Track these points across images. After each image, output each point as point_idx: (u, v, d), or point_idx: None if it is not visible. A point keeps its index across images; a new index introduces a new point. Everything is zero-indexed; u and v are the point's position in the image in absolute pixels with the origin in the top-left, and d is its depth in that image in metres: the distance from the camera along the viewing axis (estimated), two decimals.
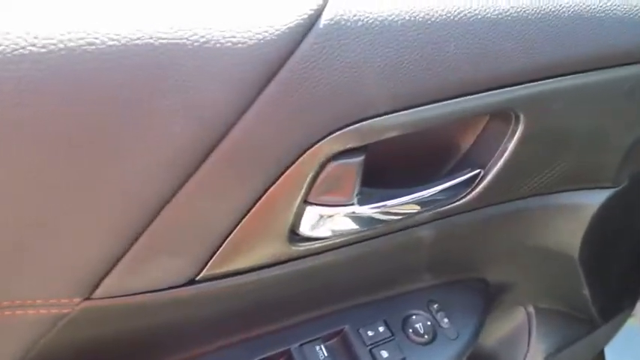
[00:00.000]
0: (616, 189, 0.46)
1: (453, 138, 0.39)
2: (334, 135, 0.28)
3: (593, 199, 0.45)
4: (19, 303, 0.28)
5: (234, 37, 0.24)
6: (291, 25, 0.25)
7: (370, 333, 0.52)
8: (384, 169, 0.38)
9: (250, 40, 0.24)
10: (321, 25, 0.25)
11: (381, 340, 0.51)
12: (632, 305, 0.82)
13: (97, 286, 0.29)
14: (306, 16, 0.25)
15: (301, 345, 0.50)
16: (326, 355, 0.49)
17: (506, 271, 0.60)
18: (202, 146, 0.25)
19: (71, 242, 0.27)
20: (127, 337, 0.35)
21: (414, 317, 0.54)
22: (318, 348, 0.50)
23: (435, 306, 0.56)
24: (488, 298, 0.59)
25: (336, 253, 0.38)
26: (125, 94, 0.23)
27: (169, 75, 0.23)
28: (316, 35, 0.25)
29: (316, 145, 0.28)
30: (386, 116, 0.28)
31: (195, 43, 0.23)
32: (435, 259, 0.52)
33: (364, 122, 0.28)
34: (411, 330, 0.53)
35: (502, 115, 0.35)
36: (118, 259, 0.28)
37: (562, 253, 0.51)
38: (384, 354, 0.50)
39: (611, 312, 0.74)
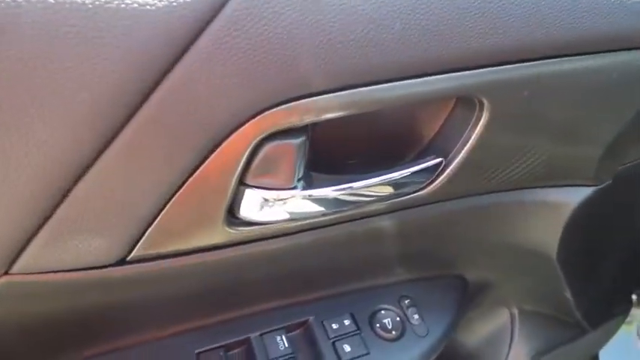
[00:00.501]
0: (597, 187, 0.43)
1: (416, 124, 0.36)
2: (265, 114, 0.26)
3: (571, 198, 0.43)
4: None
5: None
6: None
7: (335, 326, 0.50)
8: (340, 154, 0.36)
9: (162, 2, 0.22)
10: None
11: (345, 334, 0.49)
12: (625, 312, 0.79)
13: (14, 260, 0.27)
14: None
15: (262, 334, 0.48)
16: (287, 345, 0.48)
17: (485, 270, 0.58)
18: (124, 106, 0.24)
19: None
20: (56, 318, 0.34)
21: (382, 312, 0.52)
22: (279, 338, 0.48)
23: (407, 301, 0.54)
24: (465, 297, 0.57)
25: (288, 240, 0.36)
26: (35, 33, 0.21)
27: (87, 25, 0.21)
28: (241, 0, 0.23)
29: (247, 124, 0.26)
30: (324, 96, 0.26)
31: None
32: (406, 253, 0.50)
33: (299, 101, 0.26)
34: (378, 325, 0.51)
35: (465, 101, 0.33)
36: (34, 234, 0.26)
37: (540, 253, 0.48)
38: (347, 348, 0.48)
39: (600, 317, 0.71)
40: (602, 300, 0.68)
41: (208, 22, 0.23)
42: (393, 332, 0.51)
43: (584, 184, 0.43)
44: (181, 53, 0.23)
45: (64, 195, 0.25)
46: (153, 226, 0.29)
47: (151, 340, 0.46)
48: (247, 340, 0.48)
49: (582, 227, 0.46)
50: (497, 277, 0.60)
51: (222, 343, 0.47)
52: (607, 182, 0.43)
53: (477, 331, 0.72)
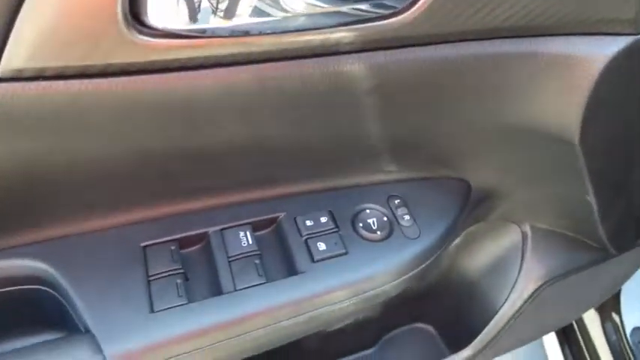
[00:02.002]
0: (635, 37, 0.34)
1: None
2: None
3: (601, 51, 0.33)
4: None
5: None
6: None
7: (309, 223, 0.42)
8: None
9: None
10: None
11: (321, 232, 0.42)
12: None
13: None
14: None
15: (222, 229, 0.41)
16: (250, 242, 0.41)
17: (492, 172, 0.49)
18: None
19: None
20: None
21: (367, 211, 0.45)
22: (242, 234, 0.41)
23: (397, 201, 0.46)
24: (467, 203, 0.49)
25: (225, 76, 0.28)
26: None
27: None
28: None
29: None
30: None
31: None
32: (394, 135, 0.41)
33: None
34: (361, 224, 0.44)
35: None
36: None
37: (558, 135, 0.39)
38: (322, 246, 0.41)
39: (627, 240, 0.62)
40: (631, 217, 0.59)
41: None
42: (379, 232, 0.43)
43: (620, 33, 0.33)
44: None
45: None
46: (14, 29, 0.21)
47: (89, 231, 0.39)
48: (205, 236, 0.41)
49: (613, 95, 0.37)
50: (507, 184, 0.52)
51: (174, 237, 0.40)
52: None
53: (482, 254, 0.64)
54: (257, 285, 0.38)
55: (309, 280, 0.39)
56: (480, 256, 0.64)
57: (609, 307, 0.93)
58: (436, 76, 0.34)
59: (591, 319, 0.97)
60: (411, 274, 0.43)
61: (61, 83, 0.24)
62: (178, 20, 0.24)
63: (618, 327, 0.93)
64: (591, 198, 0.47)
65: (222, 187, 0.41)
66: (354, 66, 0.30)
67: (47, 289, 0.38)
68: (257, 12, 0.25)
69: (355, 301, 0.41)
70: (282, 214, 0.43)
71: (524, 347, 1.36)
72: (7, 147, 0.28)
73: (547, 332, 0.87)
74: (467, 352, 0.64)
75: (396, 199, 0.46)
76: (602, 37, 0.34)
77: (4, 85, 0.23)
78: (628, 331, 0.90)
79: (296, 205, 0.44)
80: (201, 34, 0.25)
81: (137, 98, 0.27)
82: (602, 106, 0.37)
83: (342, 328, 0.69)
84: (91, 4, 0.22)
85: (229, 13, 0.25)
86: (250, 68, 0.29)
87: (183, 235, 0.40)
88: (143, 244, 0.39)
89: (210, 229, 0.41)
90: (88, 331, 0.34)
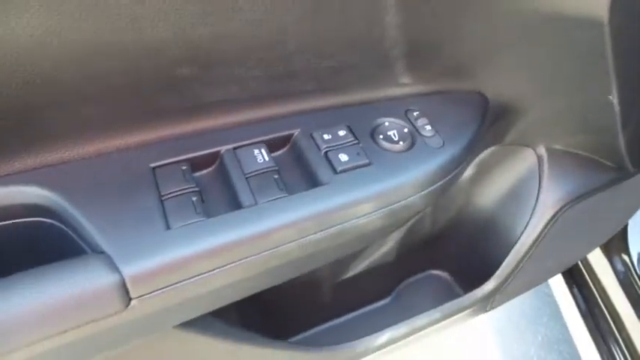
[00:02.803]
0: None
1: None
2: None
3: None
4: None
5: None
6: None
7: (327, 136, 0.40)
8: None
9: None
10: None
11: (341, 144, 0.39)
12: None
13: None
14: None
15: (235, 148, 0.38)
16: (266, 159, 0.38)
17: (510, 79, 0.47)
18: None
19: None
20: None
21: (386, 124, 0.42)
22: (257, 151, 0.38)
23: (415, 114, 0.43)
24: (485, 116, 0.47)
25: None
26: None
27: None
28: None
29: None
30: None
31: None
32: (409, 37, 0.39)
33: None
34: (381, 136, 0.41)
35: None
36: None
37: (585, 16, 0.37)
38: (343, 157, 0.38)
39: None
40: None
41: None
42: (401, 143, 0.41)
43: None
44: None
45: None
46: None
47: (92, 154, 0.36)
48: (217, 156, 0.38)
49: None
50: (524, 97, 0.50)
51: (185, 157, 0.37)
52: None
53: (498, 183, 0.62)
54: (279, 198, 0.35)
55: (333, 192, 0.37)
56: (495, 187, 0.62)
57: (615, 243, 0.92)
58: None
59: (597, 259, 0.97)
60: (437, 185, 0.41)
61: None
62: None
63: (626, 261, 0.92)
64: (614, 97, 0.45)
65: (232, 102, 0.38)
66: None
67: (50, 221, 0.34)
68: None
69: (382, 214, 0.39)
70: (296, 131, 0.40)
71: (532, 296, 1.37)
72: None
73: (566, 266, 0.86)
74: (489, 285, 0.62)
75: (414, 111, 0.43)
76: None
77: None
78: (635, 257, 0.90)
79: (311, 121, 0.41)
80: None
81: None
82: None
83: (359, 278, 0.67)
84: None
85: None
86: None
87: (195, 154, 0.37)
88: (153, 165, 0.36)
89: (223, 148, 0.38)
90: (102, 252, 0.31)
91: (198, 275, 0.33)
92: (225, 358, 0.45)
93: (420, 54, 0.42)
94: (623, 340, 0.93)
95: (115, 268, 0.30)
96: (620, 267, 0.95)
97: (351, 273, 0.65)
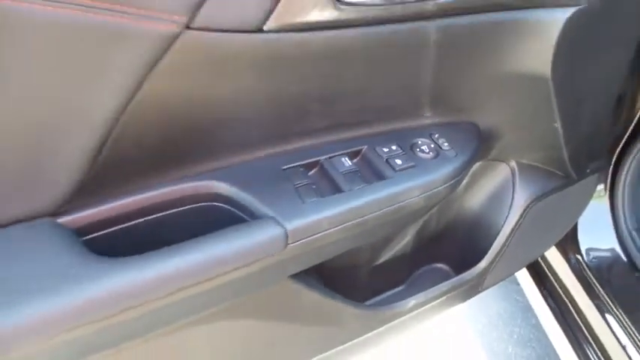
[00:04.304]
0: (578, 7, 0.57)
1: None
2: None
3: (559, 16, 0.56)
4: (143, 12, 0.36)
5: None
6: None
7: (385, 149, 0.62)
8: None
9: None
10: None
11: (395, 154, 0.62)
12: (599, 170, 0.95)
13: (197, 11, 0.38)
14: None
15: (330, 157, 0.60)
16: (350, 164, 0.59)
17: (492, 114, 0.71)
18: None
19: None
20: (203, 98, 0.45)
21: (419, 141, 0.65)
22: (344, 159, 0.60)
23: (436, 135, 0.66)
24: (479, 138, 0.71)
25: (364, 35, 0.48)
26: None
27: None
28: None
29: None
30: None
31: None
32: (433, 88, 0.62)
33: None
34: (418, 149, 0.64)
35: None
36: None
37: (537, 75, 0.62)
38: (398, 162, 0.61)
39: (582, 169, 0.87)
40: (584, 150, 0.83)
41: None
42: (430, 154, 0.63)
43: (568, 5, 0.57)
44: None
45: None
46: None
47: (242, 161, 0.56)
48: (318, 162, 0.59)
49: (569, 46, 0.60)
50: (501, 126, 0.74)
51: (302, 163, 0.58)
52: (583, 6, 0.57)
53: (483, 190, 0.86)
54: (364, 186, 0.57)
55: (395, 182, 0.58)
56: (482, 191, 0.86)
57: (569, 243, 1.17)
58: (465, 39, 0.56)
59: (557, 258, 1.21)
60: (453, 180, 0.64)
61: (289, 35, 0.43)
62: None
63: (578, 258, 1.17)
64: (558, 124, 0.70)
65: (329, 127, 0.60)
66: (432, 28, 0.51)
67: (222, 205, 0.54)
68: None
69: (422, 198, 0.61)
70: (364, 147, 0.62)
71: (507, 302, 1.59)
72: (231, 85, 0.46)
73: (536, 256, 1.09)
74: (482, 264, 0.84)
75: (436, 134, 0.66)
76: (559, 8, 0.57)
77: (266, 35, 0.42)
78: (584, 253, 1.14)
79: (373, 141, 0.63)
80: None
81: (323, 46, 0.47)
82: (565, 54, 0.60)
83: (382, 268, 0.87)
84: None
85: None
86: (369, 29, 0.49)
87: (306, 161, 0.58)
88: (283, 167, 0.57)
89: (322, 157, 0.59)
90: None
91: (322, 232, 0.53)
92: (315, 308, 0.65)
93: (439, 101, 0.65)
94: (587, 328, 1.10)
95: (281, 225, 0.50)
96: (574, 263, 1.19)
97: (379, 261, 0.85)
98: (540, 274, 1.28)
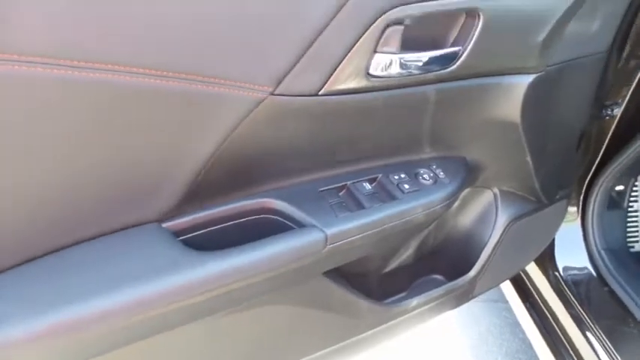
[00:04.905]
0: (538, 74, 0.77)
1: (448, 29, 0.69)
2: (390, 11, 0.58)
3: (525, 80, 0.77)
4: (230, 83, 0.56)
5: None
6: None
7: (396, 177, 0.81)
8: (412, 49, 0.69)
9: None
10: None
11: (403, 181, 0.81)
12: (567, 197, 1.14)
13: (279, 83, 0.57)
14: None
15: (354, 183, 0.79)
16: (370, 187, 0.78)
17: (478, 149, 0.91)
18: None
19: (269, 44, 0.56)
20: (288, 144, 0.65)
21: (422, 171, 0.84)
22: (365, 184, 0.79)
23: (434, 167, 0.86)
24: (467, 170, 0.90)
25: (385, 97, 0.68)
26: None
27: None
28: None
29: (381, 17, 0.58)
30: (414, 4, 0.59)
31: None
32: (433, 130, 0.82)
33: (402, 6, 0.58)
34: (420, 178, 0.83)
35: (472, 14, 0.66)
36: (295, 63, 0.57)
37: (510, 123, 0.82)
38: (406, 186, 0.80)
39: (552, 195, 1.06)
40: (553, 179, 1.03)
41: None
42: (430, 181, 0.83)
43: (530, 72, 0.77)
44: None
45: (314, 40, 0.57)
46: (337, 68, 0.60)
47: (290, 184, 0.75)
48: (345, 186, 0.78)
49: (534, 104, 0.80)
50: (483, 160, 0.94)
51: (334, 186, 0.77)
52: (541, 73, 0.78)
53: (472, 212, 1.05)
54: (380, 205, 0.76)
55: (403, 203, 0.77)
56: (470, 213, 1.04)
57: (547, 261, 1.35)
58: (456, 98, 0.76)
59: (538, 275, 1.39)
60: (448, 201, 0.83)
61: (338, 97, 0.63)
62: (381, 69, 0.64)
63: (556, 275, 1.34)
64: (529, 159, 0.90)
65: (352, 160, 0.79)
66: (432, 91, 0.71)
67: (274, 217, 0.72)
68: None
69: (425, 214, 0.79)
70: (380, 175, 0.81)
71: (495, 317, 1.76)
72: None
73: (521, 266, 1.26)
74: (472, 273, 1.02)
75: (433, 165, 0.86)
76: (524, 74, 0.78)
77: (321, 98, 0.62)
78: (561, 270, 1.32)
79: (386, 170, 0.82)
80: (388, 74, 0.65)
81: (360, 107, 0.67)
82: (530, 107, 0.81)
83: (389, 276, 1.05)
84: (360, 65, 0.62)
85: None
86: (389, 92, 0.69)
87: (336, 185, 0.77)
88: (320, 189, 0.75)
89: (348, 182, 0.78)
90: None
91: (350, 237, 0.71)
92: (340, 301, 0.82)
93: (436, 141, 0.85)
94: (565, 338, 1.25)
95: (322, 231, 0.68)
96: (553, 280, 1.36)
97: (387, 269, 1.03)
98: (525, 291, 1.45)
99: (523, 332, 1.51)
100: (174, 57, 0.54)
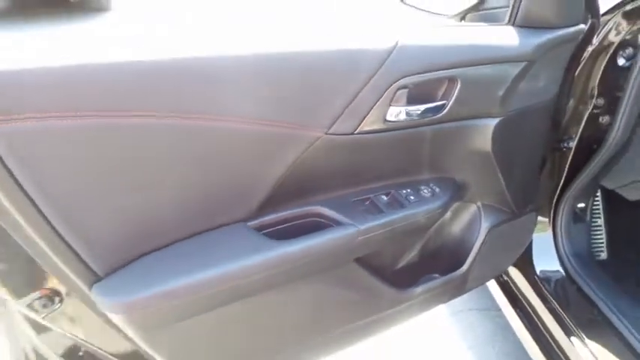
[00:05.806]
0: (500, 118, 1.10)
1: (437, 90, 1.02)
2: (400, 80, 0.91)
3: (492, 122, 1.09)
4: (296, 126, 0.88)
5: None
6: None
7: (404, 192, 1.13)
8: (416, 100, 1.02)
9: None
10: None
11: (409, 194, 1.12)
12: (535, 210, 1.45)
13: (331, 126, 0.89)
14: None
15: (375, 196, 1.10)
16: (386, 199, 1.10)
17: (463, 172, 1.23)
18: None
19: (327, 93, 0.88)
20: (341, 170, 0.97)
21: (422, 187, 1.16)
22: (383, 197, 1.10)
23: (432, 184, 1.18)
24: (456, 187, 1.22)
25: (397, 135, 1.00)
26: None
27: None
28: None
29: (395, 83, 0.91)
30: (415, 76, 0.93)
31: None
32: (430, 158, 1.14)
33: (407, 77, 0.92)
34: (422, 192, 1.14)
35: (453, 80, 1.00)
36: (342, 112, 0.89)
37: (484, 152, 1.14)
38: (412, 197, 1.11)
39: (522, 207, 1.37)
40: (521, 195, 1.34)
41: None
42: (429, 194, 1.14)
43: (495, 117, 1.10)
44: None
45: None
46: (369, 114, 0.93)
47: (331, 197, 1.06)
48: (369, 198, 1.10)
49: (501, 140, 1.12)
50: (467, 180, 1.25)
51: (361, 197, 1.08)
52: (504, 117, 1.11)
53: (461, 221, 1.36)
54: (396, 211, 1.07)
55: (410, 209, 1.08)
56: (459, 222, 1.35)
57: (527, 263, 1.62)
58: (445, 135, 1.09)
59: (518, 276, 1.66)
60: (442, 209, 1.14)
61: (364, 136, 0.95)
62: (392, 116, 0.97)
63: (535, 279, 1.61)
64: (501, 180, 1.22)
65: (374, 179, 1.11)
66: (429, 130, 1.04)
67: (319, 219, 1.03)
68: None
69: (425, 218, 1.10)
70: (392, 190, 1.13)
71: (488, 322, 2.02)
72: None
73: (503, 266, 1.54)
74: (464, 267, 1.32)
75: (431, 183, 1.17)
76: (491, 118, 1.11)
77: (353, 136, 0.94)
78: (538, 272, 1.60)
79: (397, 187, 1.14)
80: (397, 120, 0.98)
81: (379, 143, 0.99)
82: (498, 141, 1.13)
83: (396, 274, 1.35)
84: (380, 114, 0.94)
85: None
86: (400, 132, 1.02)
87: (362, 197, 1.08)
88: (352, 200, 1.06)
89: (371, 195, 1.09)
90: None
91: (374, 232, 1.02)
92: (365, 283, 1.12)
93: (432, 166, 1.17)
94: (545, 330, 1.43)
95: (356, 226, 0.99)
96: (532, 280, 1.63)
97: (397, 266, 1.33)
98: (511, 295, 1.72)
99: (514, 334, 1.76)
100: (264, 109, 0.86)
